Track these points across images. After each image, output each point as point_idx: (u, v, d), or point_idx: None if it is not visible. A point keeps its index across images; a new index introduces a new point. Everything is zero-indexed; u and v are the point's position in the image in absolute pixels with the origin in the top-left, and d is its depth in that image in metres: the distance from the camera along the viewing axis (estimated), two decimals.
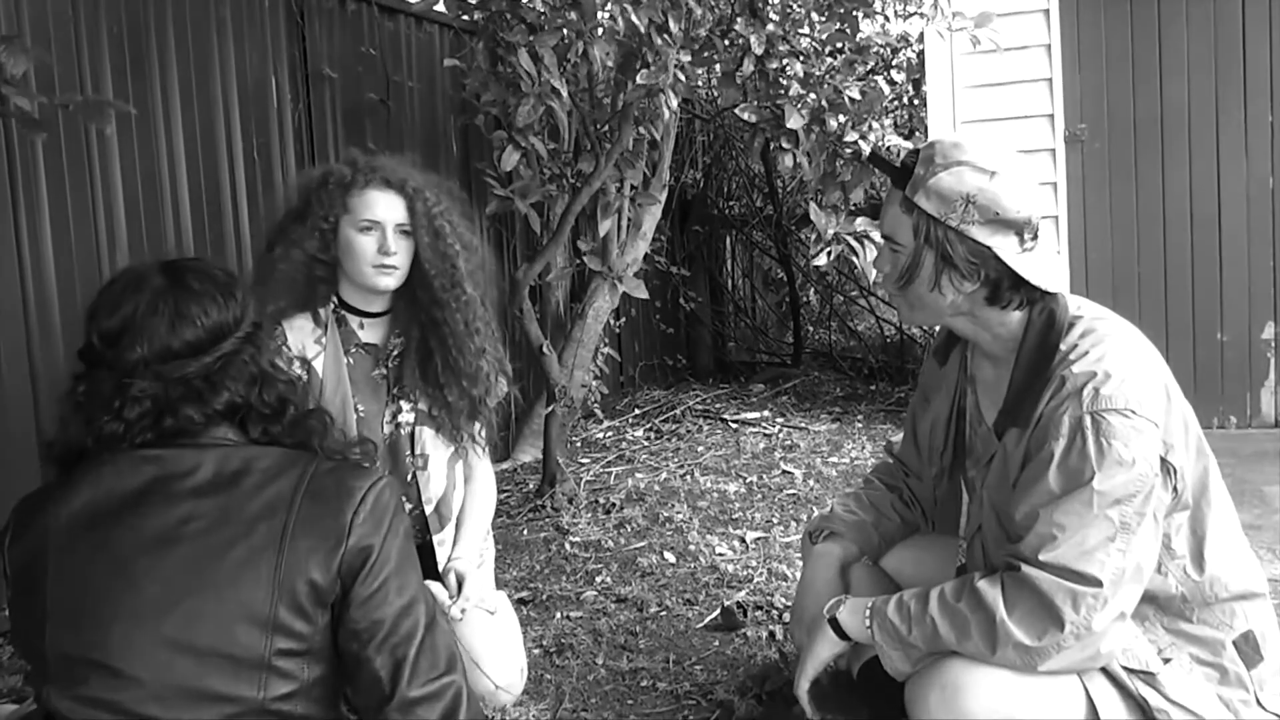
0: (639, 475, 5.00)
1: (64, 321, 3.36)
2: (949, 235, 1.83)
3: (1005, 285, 1.86)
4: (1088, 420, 1.76)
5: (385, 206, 2.38)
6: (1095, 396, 1.77)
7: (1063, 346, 1.87)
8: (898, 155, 4.44)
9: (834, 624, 1.99)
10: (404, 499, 2.37)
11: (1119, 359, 1.82)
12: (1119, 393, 1.77)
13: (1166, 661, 1.86)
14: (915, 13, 5.00)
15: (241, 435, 1.56)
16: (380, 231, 2.36)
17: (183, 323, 1.52)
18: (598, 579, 3.59)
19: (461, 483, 2.56)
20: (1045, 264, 1.88)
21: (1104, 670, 1.82)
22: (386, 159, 2.50)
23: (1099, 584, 1.72)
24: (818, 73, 4.42)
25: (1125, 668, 1.82)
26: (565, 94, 3.90)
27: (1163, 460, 1.80)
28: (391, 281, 2.39)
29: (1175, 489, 1.83)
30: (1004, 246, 1.83)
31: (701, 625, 3.15)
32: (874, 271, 4.26)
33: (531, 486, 4.74)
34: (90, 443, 1.51)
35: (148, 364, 1.50)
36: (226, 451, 1.52)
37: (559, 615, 3.28)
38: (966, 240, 1.83)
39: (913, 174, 1.87)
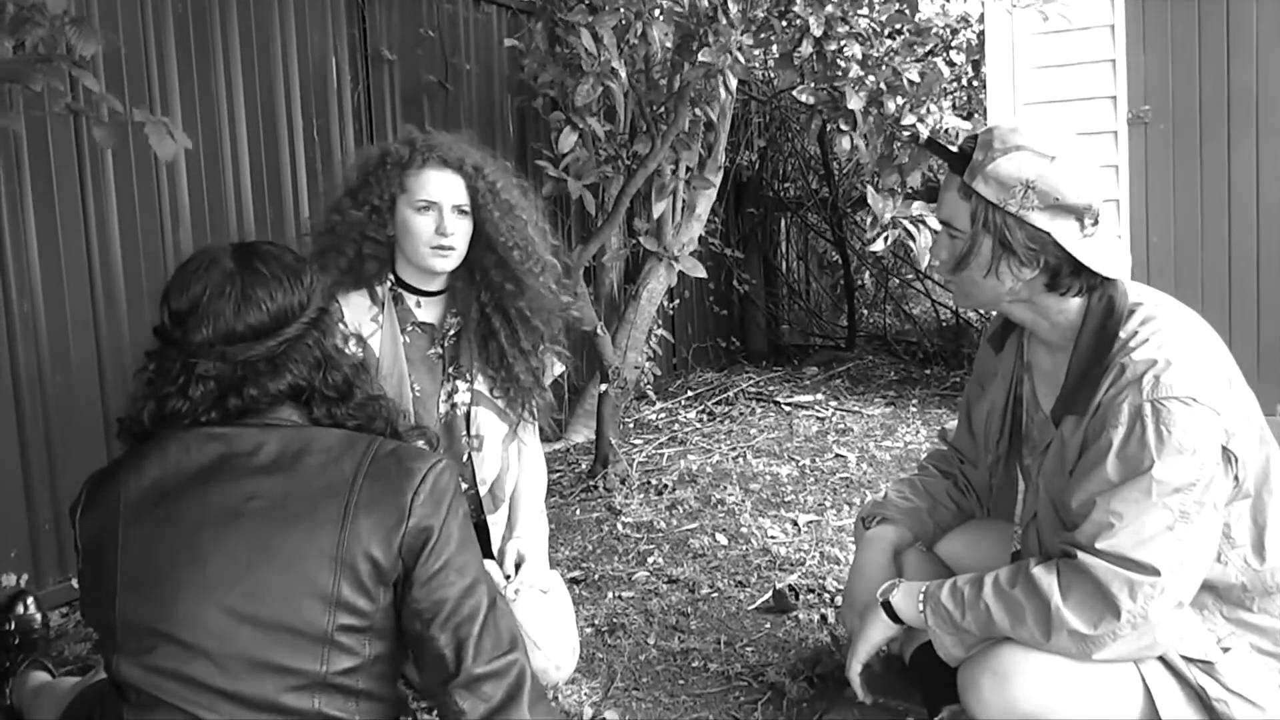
0: (691, 457, 5.01)
1: (128, 297, 3.43)
2: (1008, 221, 1.82)
3: (1065, 272, 1.85)
4: (1148, 408, 1.74)
5: (442, 186, 2.38)
6: (1155, 384, 1.75)
7: (1122, 334, 1.84)
8: (956, 138, 4.41)
9: (887, 607, 1.99)
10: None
11: (1180, 346, 1.80)
12: (1180, 380, 1.75)
13: (1226, 651, 1.84)
14: None
15: (305, 416, 1.59)
16: (437, 212, 2.37)
17: (248, 306, 1.55)
18: (649, 560, 3.61)
19: (515, 464, 2.57)
20: (1106, 250, 1.86)
21: (1161, 658, 1.81)
22: (444, 136, 2.48)
23: (1156, 573, 1.70)
24: (876, 54, 4.38)
25: (1183, 656, 1.81)
26: (624, 75, 3.90)
27: (1224, 448, 1.77)
28: (448, 263, 2.40)
29: (1236, 477, 1.81)
30: (1064, 232, 1.81)
31: (753, 607, 3.16)
32: (929, 256, 4.25)
33: (584, 467, 4.76)
34: (158, 419, 1.55)
35: (213, 345, 1.53)
36: (290, 432, 1.55)
37: (611, 595, 3.30)
38: (1025, 226, 1.81)
39: (970, 159, 1.86)
